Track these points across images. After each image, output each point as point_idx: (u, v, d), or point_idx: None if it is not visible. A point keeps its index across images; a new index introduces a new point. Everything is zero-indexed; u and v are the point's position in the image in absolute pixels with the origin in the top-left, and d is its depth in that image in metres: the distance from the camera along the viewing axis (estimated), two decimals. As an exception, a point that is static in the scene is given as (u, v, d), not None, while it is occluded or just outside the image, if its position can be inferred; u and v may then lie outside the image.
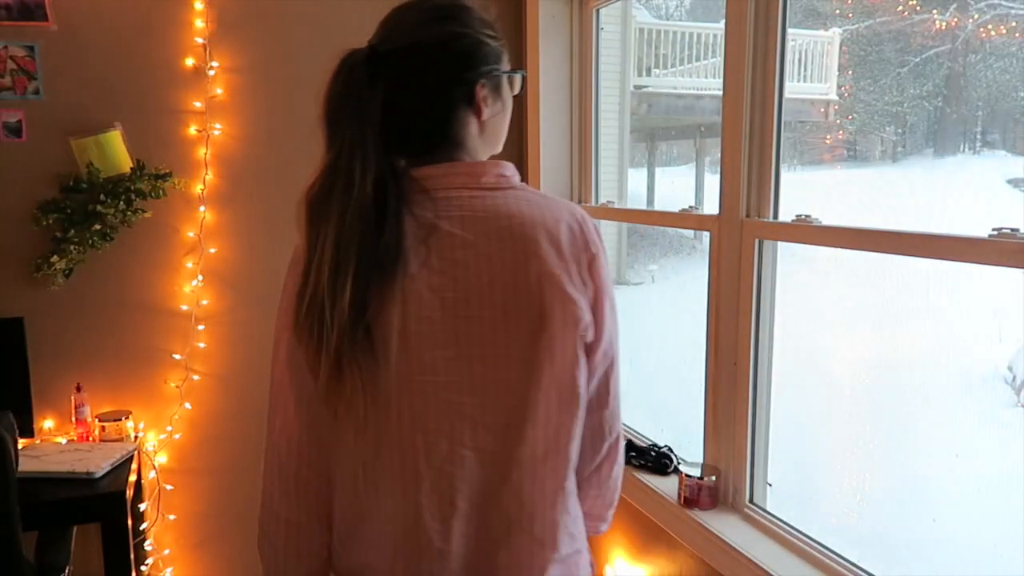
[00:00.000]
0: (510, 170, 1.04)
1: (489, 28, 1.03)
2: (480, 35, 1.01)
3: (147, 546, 2.50)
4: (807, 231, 1.63)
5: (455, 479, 0.96)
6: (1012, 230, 1.21)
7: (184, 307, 2.52)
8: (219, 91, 2.48)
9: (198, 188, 2.49)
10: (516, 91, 1.12)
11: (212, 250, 2.53)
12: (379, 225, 0.95)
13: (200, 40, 2.44)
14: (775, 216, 1.74)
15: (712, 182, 2.01)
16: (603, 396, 1.07)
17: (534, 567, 1.00)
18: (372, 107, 1.02)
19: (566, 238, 0.99)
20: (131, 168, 2.38)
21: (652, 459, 2.11)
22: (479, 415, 0.96)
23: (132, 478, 2.19)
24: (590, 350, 1.01)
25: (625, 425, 2.41)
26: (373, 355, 0.95)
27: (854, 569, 1.54)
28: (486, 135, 1.07)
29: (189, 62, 2.44)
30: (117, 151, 2.37)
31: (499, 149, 1.12)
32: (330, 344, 0.96)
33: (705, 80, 3.66)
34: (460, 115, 1.02)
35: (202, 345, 2.56)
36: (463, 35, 1.00)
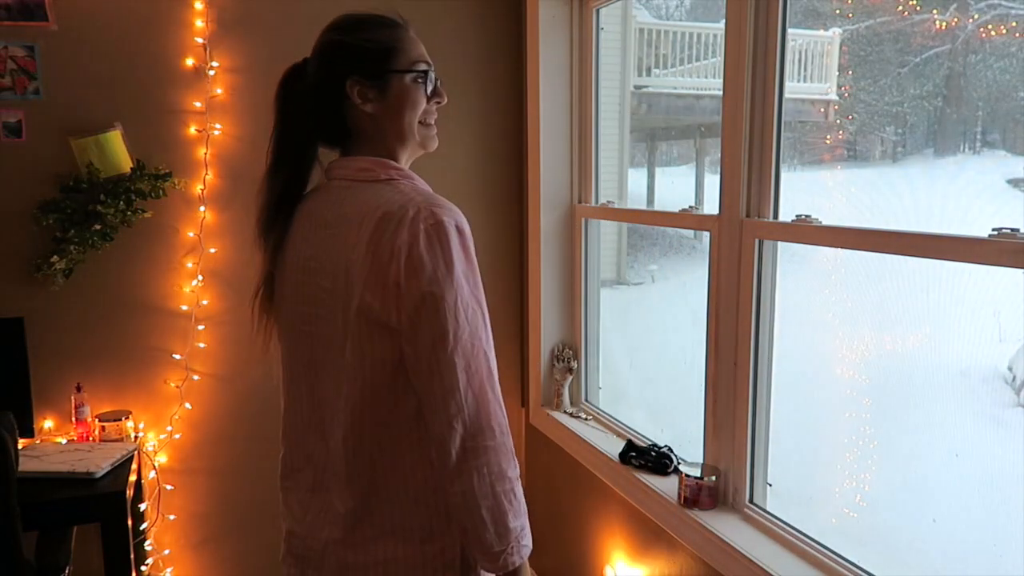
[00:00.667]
0: (376, 167, 1.19)
1: (372, 34, 1.22)
2: (358, 41, 1.20)
3: (147, 546, 2.50)
4: (807, 231, 1.63)
5: None
6: (1012, 230, 1.21)
7: (184, 307, 2.52)
8: (219, 91, 2.48)
9: (198, 188, 2.49)
10: (429, 87, 1.23)
11: (212, 250, 2.53)
12: (278, 209, 1.24)
13: (200, 40, 2.44)
14: (775, 216, 1.74)
15: (712, 182, 2.01)
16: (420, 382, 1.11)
17: None
18: (294, 103, 1.27)
19: (380, 230, 1.09)
20: (131, 168, 2.38)
21: (652, 459, 2.11)
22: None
23: (132, 478, 2.19)
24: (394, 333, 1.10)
25: (625, 425, 2.42)
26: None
27: (854, 569, 1.54)
28: (381, 124, 1.19)
29: (189, 62, 2.44)
30: (117, 151, 2.37)
31: (407, 131, 1.21)
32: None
33: (705, 80, 3.66)
34: (346, 110, 1.19)
35: (202, 345, 2.56)
36: (340, 42, 1.22)
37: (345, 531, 1.16)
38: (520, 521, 1.12)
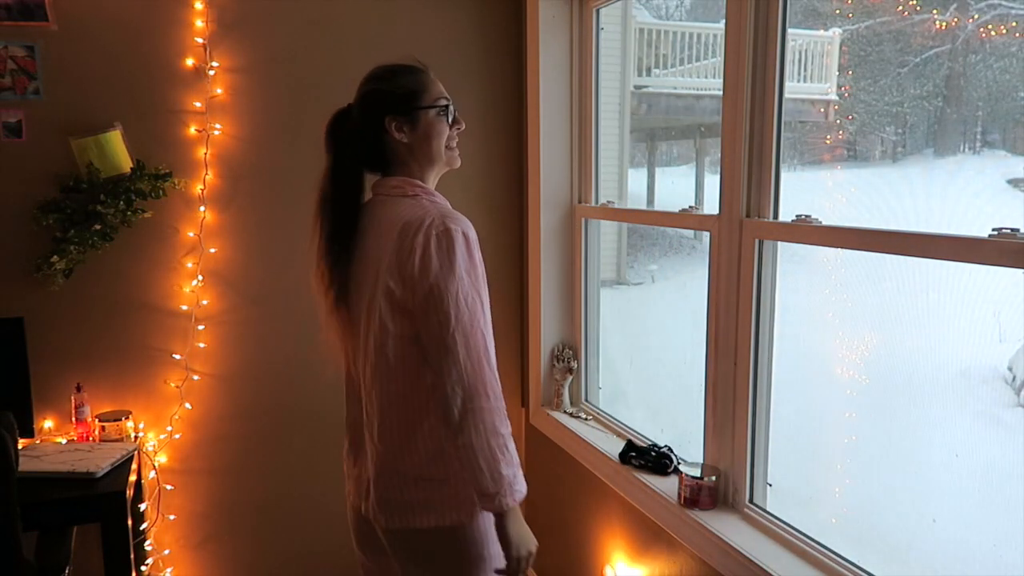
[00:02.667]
0: (406, 186, 1.52)
1: (405, 84, 1.52)
2: (391, 87, 1.52)
3: (147, 546, 2.50)
4: (807, 231, 1.63)
5: None
6: (1012, 230, 1.21)
7: (184, 307, 2.52)
8: (219, 91, 2.48)
9: (198, 188, 2.49)
10: (449, 118, 1.55)
11: (212, 250, 2.53)
12: (344, 224, 1.54)
13: (200, 40, 2.44)
14: (775, 216, 1.74)
15: (712, 182, 2.01)
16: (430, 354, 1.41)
17: None
18: (343, 138, 1.56)
19: (403, 235, 1.41)
20: (131, 168, 2.38)
21: (652, 459, 2.11)
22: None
23: (132, 478, 2.19)
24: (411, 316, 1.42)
25: (625, 425, 2.42)
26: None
27: (854, 569, 1.54)
28: (414, 151, 1.53)
29: (189, 62, 2.44)
30: (117, 151, 2.37)
31: (435, 156, 1.54)
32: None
33: (705, 80, 3.66)
34: (387, 143, 1.52)
35: (202, 345, 2.56)
36: (377, 90, 1.53)
37: (379, 476, 1.48)
38: (512, 470, 1.38)
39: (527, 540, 1.46)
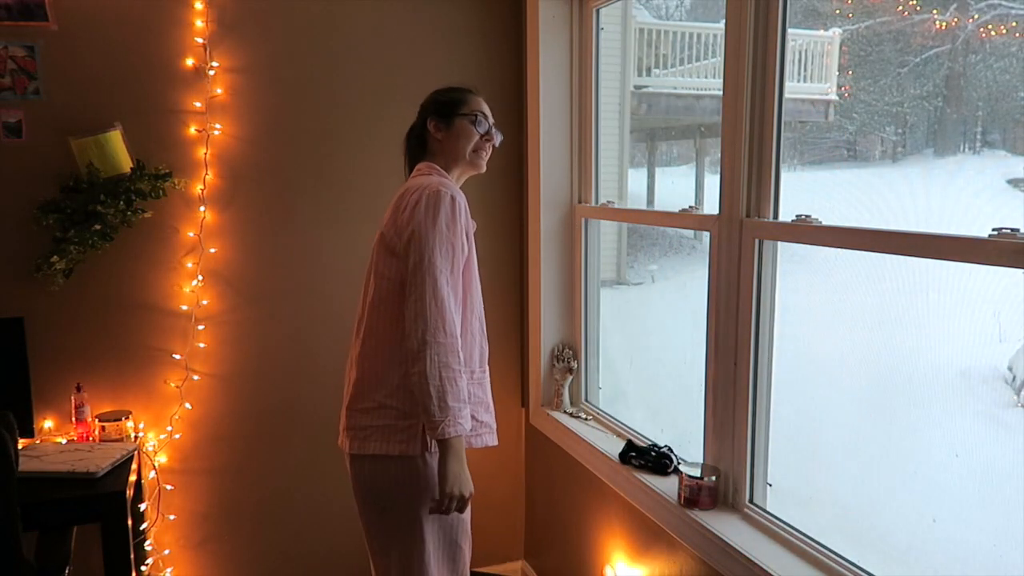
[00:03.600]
0: (426, 168, 1.81)
1: (452, 96, 1.84)
2: (440, 97, 1.84)
3: (147, 546, 2.50)
4: (807, 231, 1.63)
5: None
6: (1012, 230, 1.21)
7: (184, 307, 2.52)
8: (219, 91, 2.48)
9: (198, 188, 2.49)
10: (481, 129, 1.83)
11: (212, 250, 2.53)
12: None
13: (200, 40, 2.44)
14: (775, 216, 1.74)
15: (712, 182, 2.01)
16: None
17: None
18: (412, 139, 1.90)
19: (405, 195, 1.71)
20: (131, 168, 2.38)
21: (652, 459, 2.11)
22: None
23: (132, 478, 2.19)
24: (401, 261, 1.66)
25: (625, 425, 2.42)
26: None
27: (854, 569, 1.54)
28: (445, 147, 1.83)
29: (189, 62, 2.44)
30: (117, 151, 2.37)
31: (460, 154, 1.82)
32: None
33: (705, 80, 3.66)
34: (428, 138, 1.85)
35: (202, 345, 2.56)
36: (431, 99, 1.87)
37: (351, 402, 1.72)
38: (457, 404, 1.56)
39: (463, 481, 1.58)
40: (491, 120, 1.86)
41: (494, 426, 1.80)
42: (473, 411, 1.70)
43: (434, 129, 1.81)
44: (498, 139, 1.87)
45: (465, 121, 1.81)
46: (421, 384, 1.54)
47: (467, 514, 1.76)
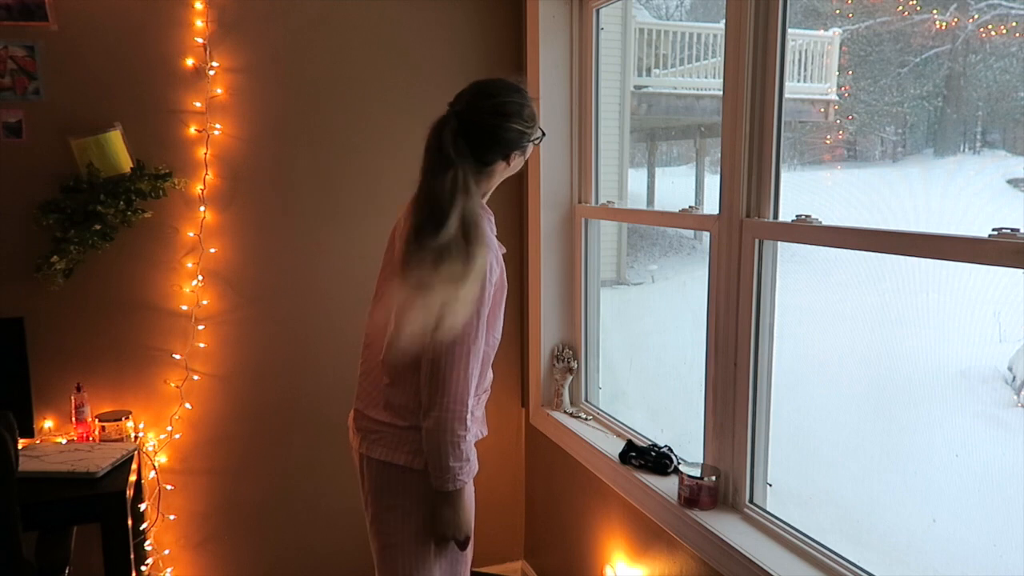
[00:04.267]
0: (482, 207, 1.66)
1: (531, 117, 1.65)
2: (523, 127, 1.63)
3: (147, 546, 2.50)
4: (807, 231, 1.63)
5: None
6: (1012, 230, 1.21)
7: (184, 307, 2.52)
8: (219, 91, 2.48)
9: (198, 188, 2.49)
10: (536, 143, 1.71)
11: (212, 250, 2.53)
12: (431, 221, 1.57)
13: (200, 40, 2.44)
14: (775, 216, 1.74)
15: (712, 182, 2.01)
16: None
17: None
18: (450, 148, 1.58)
19: None
20: (131, 168, 2.38)
21: (652, 459, 2.11)
22: None
23: (132, 478, 2.19)
24: None
25: (625, 425, 2.42)
26: None
27: (854, 569, 1.54)
28: (509, 171, 1.69)
29: (189, 62, 2.44)
30: (117, 151, 2.37)
31: (513, 173, 1.71)
32: None
33: (705, 80, 3.66)
34: (495, 165, 1.65)
35: (202, 345, 2.56)
36: (510, 129, 1.61)
37: (362, 405, 1.73)
38: (458, 463, 1.58)
39: (458, 526, 1.64)
40: None
41: (483, 433, 1.79)
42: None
43: (512, 160, 1.65)
44: None
45: (533, 145, 1.69)
46: (428, 438, 1.58)
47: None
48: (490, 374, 1.76)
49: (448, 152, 1.55)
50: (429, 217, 1.52)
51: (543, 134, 1.71)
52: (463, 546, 1.68)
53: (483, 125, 1.59)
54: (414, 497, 1.66)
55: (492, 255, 1.57)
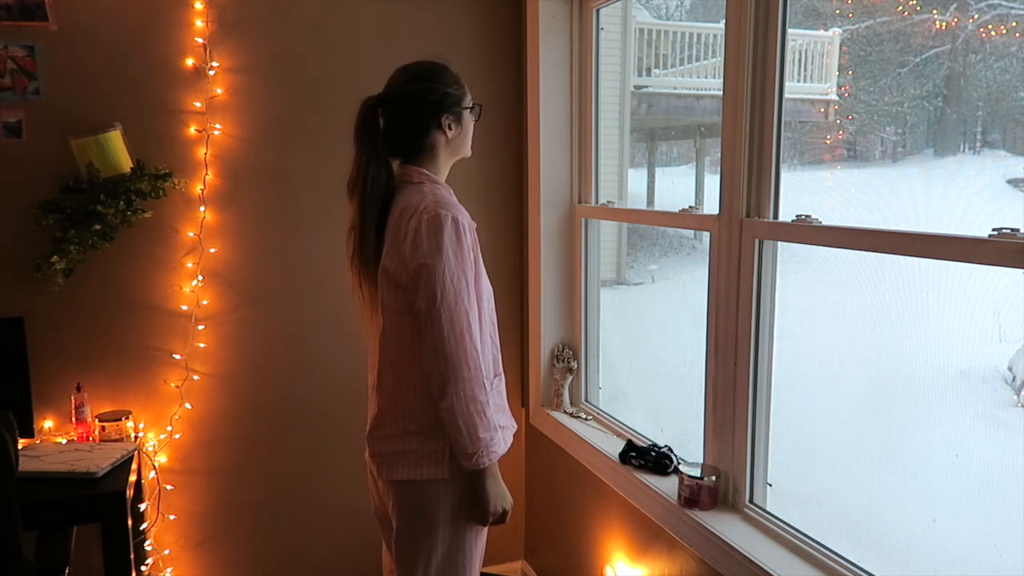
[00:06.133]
0: (415, 175, 1.67)
1: (455, 82, 1.70)
2: (446, 88, 1.67)
3: (147, 546, 2.50)
4: (807, 231, 1.63)
5: None
6: (1012, 230, 1.21)
7: (184, 307, 2.52)
8: (219, 91, 2.48)
9: (198, 188, 2.49)
10: (477, 119, 1.74)
11: (212, 250, 2.53)
12: (384, 201, 1.65)
13: (200, 40, 2.44)
14: (775, 216, 1.74)
15: (712, 182, 2.01)
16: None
17: None
18: (378, 132, 1.65)
19: (401, 219, 1.59)
20: (131, 168, 2.38)
21: (652, 459, 2.11)
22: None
23: (132, 478, 2.19)
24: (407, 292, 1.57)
25: (625, 425, 2.42)
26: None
27: (854, 569, 1.54)
28: (451, 147, 1.71)
29: (189, 62, 2.44)
30: (117, 151, 2.37)
31: (465, 153, 1.75)
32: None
33: (705, 80, 3.66)
34: (432, 136, 1.67)
35: (202, 345, 2.56)
36: (434, 90, 1.66)
37: (371, 430, 1.69)
38: (489, 433, 1.55)
39: (503, 497, 1.62)
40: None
41: (511, 424, 1.78)
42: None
43: (447, 129, 1.67)
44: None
45: (470, 113, 1.71)
46: (450, 420, 1.53)
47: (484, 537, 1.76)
48: (499, 352, 1.75)
49: (375, 141, 1.62)
50: (371, 218, 1.62)
51: (478, 106, 1.71)
52: (505, 517, 1.64)
53: (404, 94, 1.64)
54: (449, 509, 1.63)
55: (451, 212, 1.56)
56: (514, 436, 1.75)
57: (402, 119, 1.65)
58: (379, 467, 1.67)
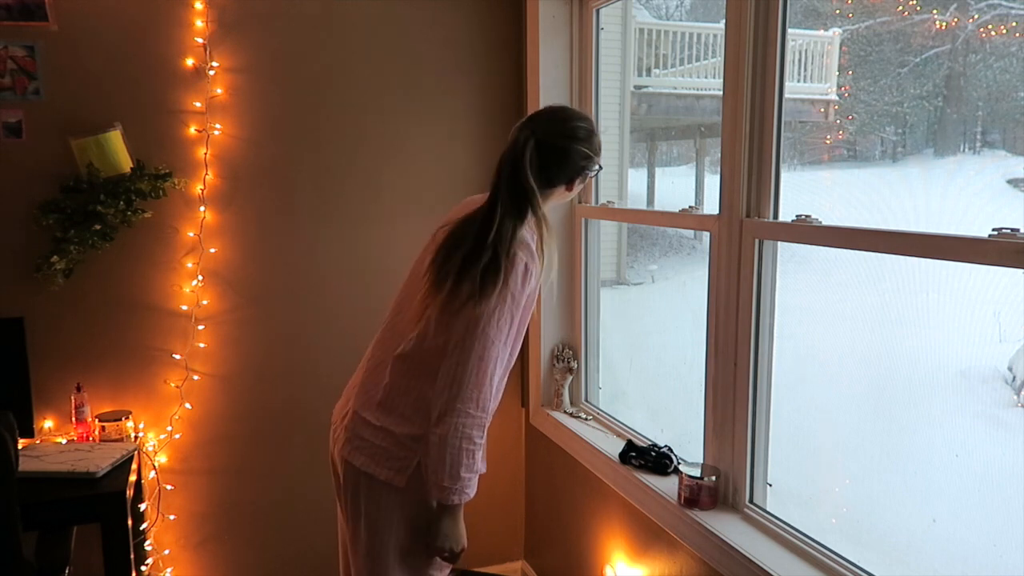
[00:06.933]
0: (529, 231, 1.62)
1: (597, 148, 1.67)
2: (590, 151, 1.64)
3: (147, 546, 2.50)
4: (807, 231, 1.63)
5: None
6: (1012, 230, 1.21)
7: (184, 307, 2.52)
8: (219, 91, 2.48)
9: (198, 188, 2.49)
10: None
11: (212, 250, 2.53)
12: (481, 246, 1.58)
13: (200, 40, 2.44)
14: (775, 216, 1.74)
15: (712, 182, 2.01)
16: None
17: None
18: (524, 162, 1.58)
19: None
20: (131, 168, 2.38)
21: (652, 459, 2.11)
22: None
23: (132, 478, 2.19)
24: None
25: (625, 425, 2.42)
26: None
27: (854, 569, 1.54)
28: (559, 198, 1.69)
29: (189, 62, 2.44)
30: (117, 151, 2.37)
31: (564, 203, 1.93)
32: None
33: (705, 80, 3.66)
34: (555, 190, 1.66)
35: (202, 345, 2.56)
36: (583, 153, 1.63)
37: (359, 404, 1.65)
38: (470, 475, 1.52)
39: (456, 538, 1.59)
40: None
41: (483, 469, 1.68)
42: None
43: (567, 188, 1.66)
44: None
45: (591, 176, 1.69)
46: (438, 447, 1.49)
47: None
48: (500, 399, 1.68)
49: (525, 178, 1.55)
50: (483, 240, 1.53)
51: (601, 167, 1.70)
52: (457, 558, 1.61)
53: (555, 146, 1.60)
54: (390, 512, 1.61)
55: (527, 258, 1.54)
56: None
57: (542, 164, 1.59)
58: (345, 441, 1.64)
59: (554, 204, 1.71)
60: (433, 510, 1.60)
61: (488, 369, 1.49)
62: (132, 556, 2.13)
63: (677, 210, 2.10)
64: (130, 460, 2.22)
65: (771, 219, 1.74)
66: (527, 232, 1.59)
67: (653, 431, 2.33)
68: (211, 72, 2.46)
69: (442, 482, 1.51)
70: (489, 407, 1.53)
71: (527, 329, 1.73)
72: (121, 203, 2.34)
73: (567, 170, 1.63)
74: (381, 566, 1.62)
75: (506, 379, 1.67)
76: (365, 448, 1.61)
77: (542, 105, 2.60)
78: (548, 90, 2.60)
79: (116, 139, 2.37)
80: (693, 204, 2.05)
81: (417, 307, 1.63)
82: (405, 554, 1.63)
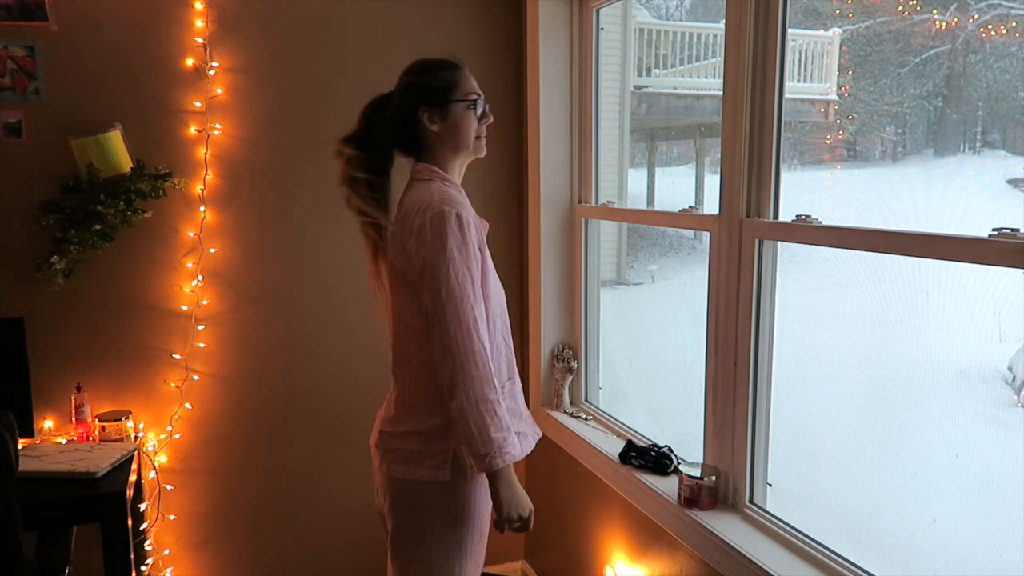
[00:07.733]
0: (425, 172, 1.66)
1: (441, 76, 1.64)
2: (427, 81, 1.64)
3: (147, 546, 2.50)
4: (807, 231, 1.63)
5: None
6: (1012, 230, 1.21)
7: (184, 307, 2.52)
8: (219, 91, 2.48)
9: (198, 188, 2.49)
10: (478, 112, 1.66)
11: (212, 250, 2.53)
12: (371, 195, 1.68)
13: (200, 40, 2.44)
14: (775, 216, 1.74)
15: (712, 182, 2.01)
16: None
17: None
18: (380, 126, 1.68)
19: (407, 216, 1.58)
20: (131, 168, 2.38)
21: (652, 459, 2.11)
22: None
23: (132, 478, 2.19)
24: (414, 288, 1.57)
25: (625, 425, 2.42)
26: None
27: (854, 569, 1.54)
28: (445, 142, 1.65)
29: (189, 62, 2.44)
30: (117, 151, 2.37)
31: (462, 145, 1.66)
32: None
33: (705, 80, 3.66)
34: (420, 131, 1.65)
35: (202, 345, 2.56)
36: (414, 83, 1.65)
37: (384, 422, 1.69)
38: (501, 434, 1.48)
39: (519, 502, 1.54)
40: (483, 97, 1.68)
41: (533, 431, 1.72)
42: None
43: (428, 121, 1.62)
44: (491, 118, 1.71)
45: (461, 107, 1.63)
46: (461, 421, 1.47)
47: (483, 547, 1.72)
48: (512, 354, 1.71)
49: (382, 134, 1.66)
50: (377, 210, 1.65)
51: (471, 100, 1.64)
52: (528, 523, 1.57)
53: (397, 87, 1.67)
54: (445, 515, 1.61)
55: (455, 209, 1.53)
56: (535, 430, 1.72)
57: (392, 111, 1.66)
58: (381, 459, 1.66)
59: (448, 149, 1.66)
60: (480, 498, 1.60)
61: (470, 325, 1.48)
62: (132, 556, 2.13)
63: (677, 210, 2.10)
64: (130, 460, 2.22)
65: (771, 219, 1.74)
66: (451, 188, 1.63)
67: (653, 431, 2.33)
68: (211, 72, 2.46)
69: (478, 451, 1.48)
70: (491, 363, 1.51)
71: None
72: (121, 203, 2.34)
73: (406, 103, 1.64)
74: (458, 568, 1.64)
75: (510, 338, 1.71)
76: (400, 457, 1.62)
77: (542, 105, 2.61)
78: (548, 90, 2.60)
79: (116, 139, 2.37)
80: (693, 204, 2.05)
81: (388, 314, 1.70)
82: (454, 552, 1.64)
